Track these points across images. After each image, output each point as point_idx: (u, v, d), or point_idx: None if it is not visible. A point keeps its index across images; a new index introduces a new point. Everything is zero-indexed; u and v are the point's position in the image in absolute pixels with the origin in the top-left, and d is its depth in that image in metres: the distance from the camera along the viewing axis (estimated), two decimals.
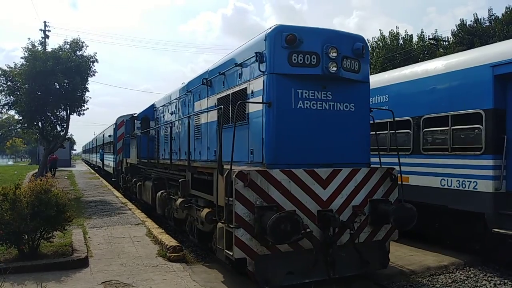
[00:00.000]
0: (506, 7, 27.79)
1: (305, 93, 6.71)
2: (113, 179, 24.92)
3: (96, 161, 43.25)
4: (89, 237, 9.99)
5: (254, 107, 6.80)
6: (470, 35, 28.34)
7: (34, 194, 7.60)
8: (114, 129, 23.67)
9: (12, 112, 24.94)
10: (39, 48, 21.40)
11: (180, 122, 11.14)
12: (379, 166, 7.59)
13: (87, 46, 21.08)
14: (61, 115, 21.82)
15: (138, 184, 15.42)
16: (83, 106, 21.42)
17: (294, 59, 6.52)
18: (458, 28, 30.13)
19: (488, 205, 7.89)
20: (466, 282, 7.53)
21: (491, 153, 7.97)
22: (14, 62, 21.52)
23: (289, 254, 6.38)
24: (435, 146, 9.11)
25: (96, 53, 21.20)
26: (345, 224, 6.63)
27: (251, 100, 7.00)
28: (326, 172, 6.68)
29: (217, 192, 6.96)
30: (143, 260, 8.12)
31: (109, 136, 27.48)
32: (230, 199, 6.17)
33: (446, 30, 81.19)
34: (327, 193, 6.65)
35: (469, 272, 7.92)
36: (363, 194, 7.00)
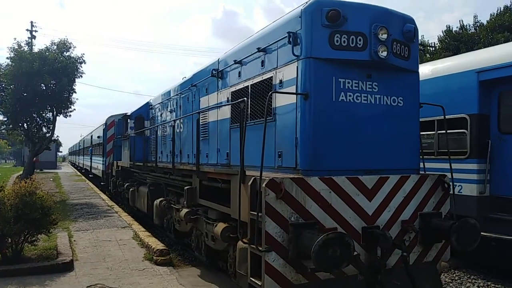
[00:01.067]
0: (491, 14, 27.67)
1: (348, 83, 5.42)
2: (102, 183, 22.71)
3: (83, 164, 40.23)
4: (74, 241, 9.62)
5: (283, 100, 5.48)
6: (456, 41, 27.91)
7: (19, 197, 7.31)
8: (103, 129, 21.72)
9: None
10: (26, 48, 20.50)
11: (182, 120, 9.73)
12: (426, 172, 6.26)
13: (74, 47, 20.45)
14: (47, 116, 21.18)
15: (131, 189, 13.91)
16: (70, 107, 20.87)
17: (337, 41, 5.24)
18: (444, 34, 30.40)
19: (472, 208, 7.77)
20: (451, 284, 7.45)
21: (476, 157, 7.88)
22: None
23: (329, 283, 5.03)
24: (422, 150, 9.06)
25: (83, 54, 20.56)
26: (396, 244, 5.33)
27: (278, 91, 5.66)
28: (372, 180, 5.38)
29: (239, 205, 5.43)
30: (129, 263, 7.89)
31: (98, 137, 25.19)
32: (257, 213, 4.83)
33: (433, 35, 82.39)
34: (373, 206, 5.39)
35: (454, 275, 7.86)
36: (413, 207, 5.68)
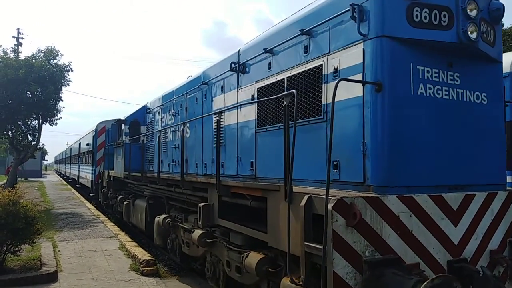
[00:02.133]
0: None
1: (427, 72, 4.07)
2: (90, 194, 20.17)
3: (70, 173, 36.96)
4: (59, 251, 9.20)
5: (341, 94, 3.99)
6: None
7: (1, 206, 6.95)
8: (93, 136, 19.48)
9: None
10: (12, 55, 19.62)
11: (189, 125, 8.32)
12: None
13: (61, 55, 19.52)
14: (32, 124, 20.16)
15: (125, 203, 12.29)
16: (56, 115, 19.94)
17: (416, 16, 3.91)
18: None
19: None
20: None
21: None
22: None
23: None
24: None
25: (71, 62, 19.67)
26: (492, 283, 3.78)
27: (329, 83, 4.26)
28: (457, 199, 4.03)
29: (288, 232, 3.81)
30: (115, 274, 7.57)
31: (87, 144, 22.59)
32: (313, 245, 3.49)
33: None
34: (459, 233, 4.03)
35: None
36: (501, 232, 4.34)
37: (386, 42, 3.89)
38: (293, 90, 4.02)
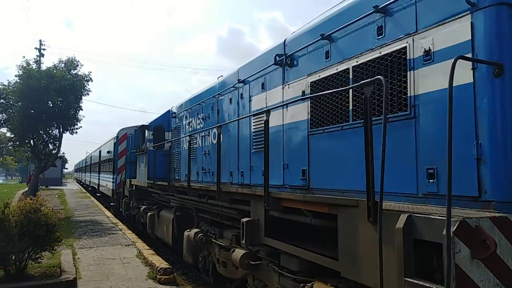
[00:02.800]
0: None
1: None
2: (111, 203, 19.06)
3: (90, 181, 36.08)
4: (78, 258, 9.20)
5: (436, 83, 3.18)
6: None
7: (23, 214, 7.04)
8: (114, 143, 18.76)
9: (4, 130, 24.66)
10: (34, 66, 19.66)
11: (223, 128, 7.05)
12: None
13: (81, 65, 19.57)
14: (53, 133, 20.08)
15: (149, 214, 11.57)
16: (76, 124, 19.92)
17: None
18: None
19: None
20: None
21: None
22: (8, 80, 19.39)
23: None
24: None
25: (90, 72, 19.60)
26: None
27: (418, 70, 3.37)
28: None
29: (381, 265, 2.83)
30: (132, 282, 7.55)
31: (108, 152, 21.69)
32: (422, 284, 2.51)
33: None
34: None
35: None
36: None
37: (505, 12, 2.93)
38: (380, 77, 3.10)
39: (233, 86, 7.36)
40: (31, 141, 19.99)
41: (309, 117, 4.90)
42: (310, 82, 4.95)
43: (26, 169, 54.09)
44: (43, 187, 28.30)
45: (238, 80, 7.10)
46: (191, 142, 9.04)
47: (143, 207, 12.53)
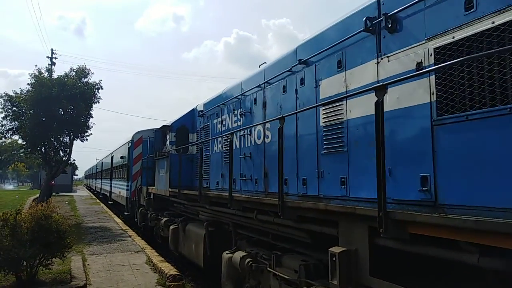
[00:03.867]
0: None
1: None
2: (125, 213, 17.52)
3: (101, 188, 33.99)
4: (88, 264, 9.28)
5: None
6: None
7: (35, 220, 7.15)
8: (129, 148, 17.17)
9: (15, 137, 24.90)
10: (45, 75, 19.97)
11: (271, 125, 6.14)
12: None
13: (92, 74, 19.78)
14: (64, 140, 20.36)
15: (172, 227, 10.14)
16: (87, 132, 20.20)
17: None
18: None
19: None
20: None
21: None
22: (20, 88, 19.99)
23: None
24: None
25: (101, 80, 19.84)
26: None
27: None
28: None
29: None
30: None
31: (122, 157, 19.94)
32: None
33: None
34: None
35: None
36: None
37: None
38: None
39: (288, 70, 5.80)
40: (42, 148, 20.29)
41: (433, 99, 3.35)
42: (435, 48, 3.41)
43: (37, 176, 54.60)
44: (54, 193, 28.40)
45: (299, 61, 5.46)
46: (226, 144, 7.80)
47: (164, 219, 11.07)
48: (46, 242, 7.12)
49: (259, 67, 7.17)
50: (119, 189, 20.26)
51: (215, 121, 8.91)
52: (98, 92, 19.91)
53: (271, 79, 6.42)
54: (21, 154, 24.60)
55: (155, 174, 12.18)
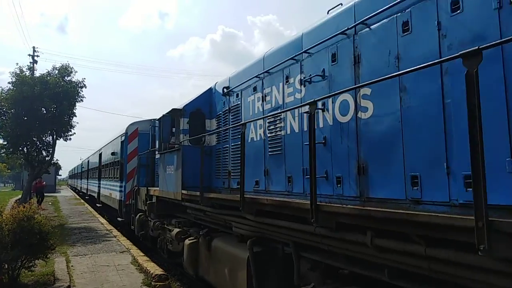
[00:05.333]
0: None
1: None
2: (119, 218, 14.93)
3: (87, 189, 30.83)
4: (72, 266, 9.09)
5: None
6: None
7: (16, 222, 6.93)
8: (121, 142, 14.71)
9: None
10: (27, 73, 19.81)
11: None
12: None
13: (75, 72, 19.61)
14: (47, 140, 20.24)
15: (189, 242, 7.77)
16: (70, 131, 20.05)
17: None
18: None
19: None
20: None
21: None
22: (0, 87, 19.62)
23: None
24: None
25: (84, 78, 19.71)
26: None
27: None
28: None
29: None
30: None
31: (113, 153, 17.01)
32: None
33: None
34: None
35: None
36: None
37: None
38: None
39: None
40: (24, 148, 20.00)
41: None
42: None
43: (19, 176, 53.54)
44: (32, 193, 27.75)
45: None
46: (272, 129, 5.78)
47: (176, 230, 8.50)
48: (28, 244, 6.95)
49: (328, 13, 5.02)
50: (110, 190, 17.69)
51: (250, 98, 6.56)
52: (82, 91, 19.67)
53: (370, 18, 4.02)
54: (2, 155, 24.03)
55: (159, 172, 9.85)
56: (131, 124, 14.32)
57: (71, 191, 58.74)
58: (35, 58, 29.74)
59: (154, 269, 8.43)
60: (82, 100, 19.89)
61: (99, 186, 21.90)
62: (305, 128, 4.97)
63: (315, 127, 4.07)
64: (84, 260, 9.92)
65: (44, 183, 26.66)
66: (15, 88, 18.30)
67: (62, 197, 39.38)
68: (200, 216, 7.57)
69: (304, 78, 5.17)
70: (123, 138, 14.64)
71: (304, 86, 5.16)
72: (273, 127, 5.82)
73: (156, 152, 10.88)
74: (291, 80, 5.49)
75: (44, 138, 20.25)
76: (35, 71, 24.47)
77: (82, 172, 39.22)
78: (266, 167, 5.95)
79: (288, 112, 5.34)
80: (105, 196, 19.30)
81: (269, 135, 5.93)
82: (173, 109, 8.79)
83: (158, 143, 9.94)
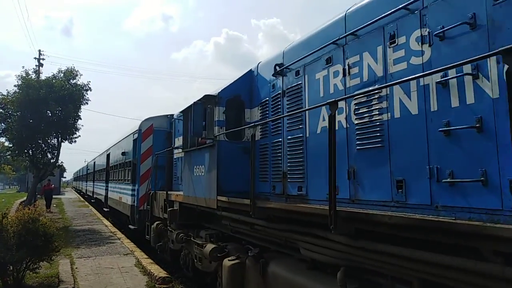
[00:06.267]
0: None
1: None
2: (131, 226, 12.98)
3: (93, 192, 28.99)
4: (76, 268, 9.11)
5: None
6: None
7: (21, 224, 6.96)
8: (134, 140, 13.15)
9: (2, 139, 24.87)
10: (33, 76, 19.99)
11: None
12: None
13: (81, 75, 19.71)
14: (52, 142, 20.34)
15: (230, 263, 5.77)
16: (75, 133, 20.16)
17: None
18: None
19: None
20: None
21: None
22: (7, 90, 19.92)
23: None
24: None
25: (89, 81, 19.87)
26: None
27: None
28: None
29: None
30: None
31: (123, 153, 15.49)
32: None
33: None
34: None
35: None
36: None
37: None
38: None
39: None
40: (30, 150, 20.09)
41: None
42: None
43: (24, 178, 53.75)
44: (40, 196, 27.91)
45: None
46: (361, 120, 4.18)
47: (210, 246, 6.70)
48: (33, 245, 6.98)
49: None
50: (120, 193, 15.85)
51: (320, 74, 4.92)
52: (87, 94, 19.75)
53: None
54: (8, 157, 24.15)
55: (183, 174, 8.38)
56: (145, 120, 12.74)
57: (76, 193, 58.87)
58: (41, 61, 29.90)
59: (158, 271, 8.43)
60: (87, 103, 19.99)
61: (106, 189, 20.48)
62: (434, 107, 3.34)
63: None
64: (88, 262, 9.95)
65: (53, 185, 26.43)
66: (21, 91, 18.43)
67: (66, 199, 39.53)
68: (241, 229, 5.99)
69: (429, 33, 3.48)
70: (135, 136, 13.14)
71: (430, 45, 3.46)
72: (365, 110, 4.11)
73: (175, 151, 9.92)
74: (401, 40, 3.78)
75: (49, 141, 20.38)
76: (40, 74, 24.62)
77: (87, 174, 37.16)
78: (350, 167, 4.27)
79: (396, 87, 3.70)
80: (113, 200, 17.71)
81: (357, 121, 4.22)
82: (206, 96, 7.05)
83: (183, 139, 8.43)
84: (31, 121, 18.56)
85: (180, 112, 8.83)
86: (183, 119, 8.51)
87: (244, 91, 6.89)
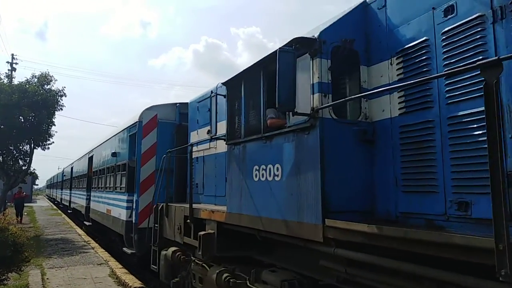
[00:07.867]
0: None
1: None
2: (125, 249, 10.07)
3: (70, 201, 25.07)
4: (47, 279, 8.83)
5: None
6: None
7: None
8: (131, 136, 10.37)
9: None
10: (5, 81, 19.47)
11: None
12: None
13: (55, 80, 19.32)
14: (24, 149, 19.77)
15: None
16: (49, 140, 19.67)
17: None
18: None
19: None
20: None
21: None
22: None
23: None
24: None
25: (64, 87, 19.38)
26: None
27: None
28: None
29: None
30: None
31: (113, 154, 12.26)
32: None
33: None
34: None
35: None
36: None
37: None
38: None
39: None
40: (0, 157, 19.30)
41: None
42: None
43: None
44: (10, 204, 26.92)
45: None
46: None
47: None
48: (1, 256, 6.68)
49: None
50: (109, 205, 12.46)
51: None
52: (62, 100, 19.29)
53: None
54: None
55: (230, 179, 5.47)
56: (147, 109, 9.81)
57: (48, 201, 57.15)
58: (14, 65, 29.10)
59: (133, 281, 8.23)
60: (61, 109, 19.53)
61: (88, 199, 17.15)
62: None
63: None
64: (60, 272, 9.63)
65: (25, 193, 25.57)
66: None
67: (38, 207, 38.35)
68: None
69: None
70: (133, 130, 10.20)
71: None
72: None
73: (195, 149, 7.30)
74: None
75: (21, 147, 19.77)
76: (13, 79, 23.92)
77: (63, 181, 32.53)
78: None
79: None
80: (98, 213, 14.35)
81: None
82: (299, 39, 4.01)
83: (226, 127, 5.63)
84: (1, 126, 17.99)
85: (223, 83, 5.77)
86: (228, 98, 5.61)
87: (359, 35, 4.16)
